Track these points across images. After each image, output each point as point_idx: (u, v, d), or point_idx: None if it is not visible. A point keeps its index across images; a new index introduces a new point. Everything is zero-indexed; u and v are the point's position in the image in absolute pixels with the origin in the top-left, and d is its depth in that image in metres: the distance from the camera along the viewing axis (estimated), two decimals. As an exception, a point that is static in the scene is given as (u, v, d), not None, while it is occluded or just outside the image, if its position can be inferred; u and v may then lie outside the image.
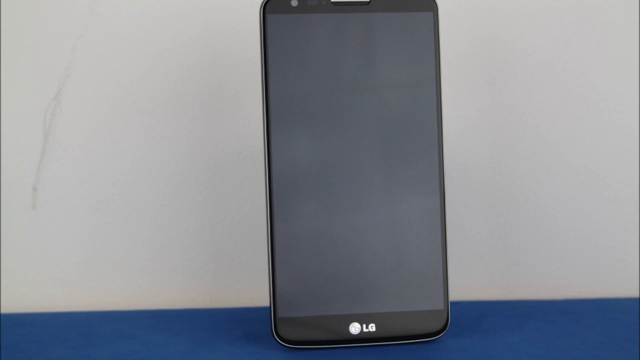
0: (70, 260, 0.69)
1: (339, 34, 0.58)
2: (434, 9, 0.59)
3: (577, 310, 0.66)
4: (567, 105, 0.70)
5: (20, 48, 0.68)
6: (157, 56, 0.69)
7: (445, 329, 0.59)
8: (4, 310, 0.68)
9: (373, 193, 0.58)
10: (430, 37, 0.59)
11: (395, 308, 0.58)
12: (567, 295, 0.70)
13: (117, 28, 0.69)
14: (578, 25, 0.70)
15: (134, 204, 0.69)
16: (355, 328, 0.58)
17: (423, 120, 0.59)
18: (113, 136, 0.69)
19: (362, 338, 0.58)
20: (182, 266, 0.69)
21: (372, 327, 0.58)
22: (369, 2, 0.58)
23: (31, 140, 0.69)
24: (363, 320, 0.58)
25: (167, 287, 0.69)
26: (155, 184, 0.69)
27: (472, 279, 0.70)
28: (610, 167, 0.70)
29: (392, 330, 0.58)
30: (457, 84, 0.69)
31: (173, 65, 0.69)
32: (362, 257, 0.58)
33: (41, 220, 0.69)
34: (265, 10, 0.58)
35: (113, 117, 0.69)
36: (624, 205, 0.70)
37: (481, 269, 0.70)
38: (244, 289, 0.69)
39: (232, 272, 0.70)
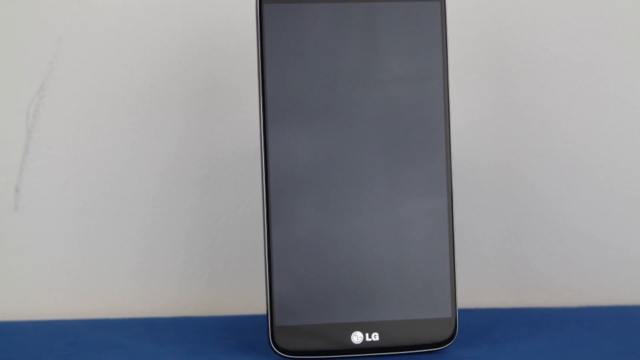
0: (55, 265, 0.69)
1: (340, 25, 0.58)
2: (441, -2, 0.59)
3: (593, 317, 0.66)
4: (581, 100, 0.70)
5: (0, 39, 0.68)
6: (148, 49, 0.69)
7: (453, 338, 0.59)
8: (-14, 318, 0.69)
9: (376, 193, 0.58)
10: (437, 29, 0.59)
11: (400, 316, 0.58)
12: (582, 302, 0.70)
13: (105, 19, 0.69)
14: (592, 17, 0.70)
15: (124, 205, 0.69)
16: (357, 337, 0.58)
17: (429, 116, 0.59)
18: (101, 134, 0.69)
19: (365, 348, 0.58)
20: (174, 271, 0.70)
21: (375, 337, 0.58)
22: (371, -10, 0.59)
23: (13, 138, 0.69)
24: (366, 329, 0.58)
25: (158, 293, 0.69)
26: (146, 184, 0.69)
27: (481, 284, 0.70)
28: (627, 165, 0.70)
29: (397, 339, 0.58)
30: (464, 78, 0.69)
31: (165, 59, 0.69)
32: (364, 261, 0.58)
33: (24, 222, 0.69)
34: (261, 0, 0.58)
35: (101, 113, 0.69)
36: (641, 206, 0.71)
37: (491, 274, 0.70)
38: (239, 295, 0.69)
39: (226, 277, 0.70)
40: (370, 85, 0.58)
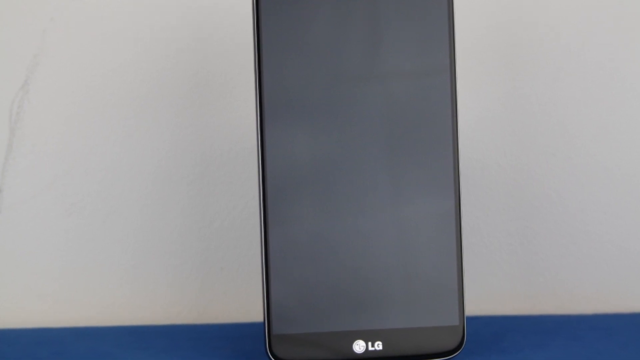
0: (41, 269, 0.69)
1: (342, 17, 0.58)
2: (448, -13, 0.59)
3: (609, 325, 0.66)
4: (595, 95, 0.70)
5: (-16, 32, 0.69)
6: (138, 41, 0.69)
7: (460, 347, 0.58)
8: (-32, 326, 0.69)
9: (379, 194, 0.58)
10: (444, 20, 0.58)
11: (405, 324, 0.58)
12: (597, 309, 0.70)
13: (93, 9, 0.69)
14: (605, 9, 0.70)
15: (113, 205, 0.69)
16: (359, 346, 0.58)
17: (435, 113, 0.58)
18: (89, 130, 0.69)
19: (367, 357, 0.58)
20: (166, 275, 0.70)
21: (378, 345, 0.58)
22: (375, -20, 0.59)
23: (-5, 136, 0.69)
24: (368, 337, 0.58)
25: (149, 299, 0.70)
26: (136, 184, 0.69)
27: (490, 290, 0.70)
28: (643, 164, 0.71)
29: (401, 348, 0.58)
30: (472, 73, 0.69)
31: (156, 51, 0.69)
32: (367, 266, 0.58)
33: (8, 224, 0.69)
34: (258, -11, 0.58)
35: (89, 109, 0.69)
36: (659, 207, 0.71)
37: (500, 280, 0.70)
38: (234, 302, 0.70)
39: (221, 282, 0.70)
40: (373, 80, 0.58)
